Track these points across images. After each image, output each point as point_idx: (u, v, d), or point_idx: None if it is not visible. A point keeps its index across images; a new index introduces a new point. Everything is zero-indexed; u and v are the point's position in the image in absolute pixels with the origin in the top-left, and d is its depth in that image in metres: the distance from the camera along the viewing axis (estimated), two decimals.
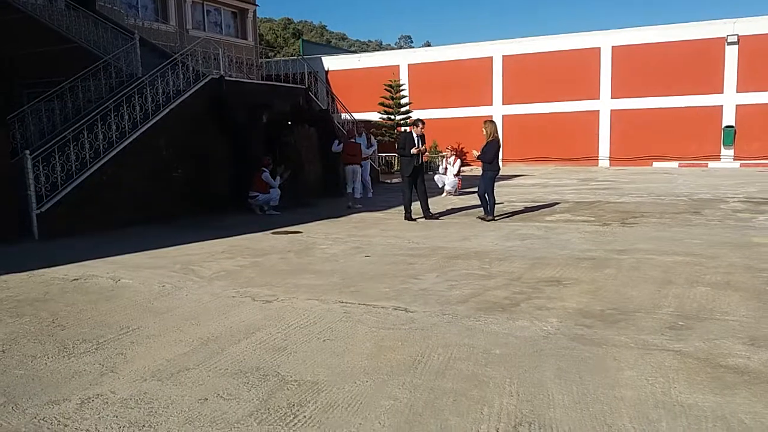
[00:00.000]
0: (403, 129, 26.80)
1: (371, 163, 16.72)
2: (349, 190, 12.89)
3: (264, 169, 12.47)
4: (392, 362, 4.03)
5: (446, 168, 15.49)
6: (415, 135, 10.76)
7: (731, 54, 24.82)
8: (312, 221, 11.07)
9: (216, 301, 5.66)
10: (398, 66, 30.08)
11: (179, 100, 12.44)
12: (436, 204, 12.83)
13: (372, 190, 15.89)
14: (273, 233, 9.82)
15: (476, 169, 23.09)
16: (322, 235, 9.47)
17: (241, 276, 6.69)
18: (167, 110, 12.15)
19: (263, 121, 14.03)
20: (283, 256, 7.85)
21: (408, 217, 10.88)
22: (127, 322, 5.10)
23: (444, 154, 16.83)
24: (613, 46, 26.34)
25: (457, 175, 15.34)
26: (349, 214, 11.95)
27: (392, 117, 26.62)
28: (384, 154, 22.53)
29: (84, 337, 4.76)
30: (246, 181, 12.69)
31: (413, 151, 10.64)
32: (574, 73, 26.81)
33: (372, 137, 16.72)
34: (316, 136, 15.71)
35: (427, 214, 10.94)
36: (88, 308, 5.56)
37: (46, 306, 5.68)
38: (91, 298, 5.92)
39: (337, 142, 13.69)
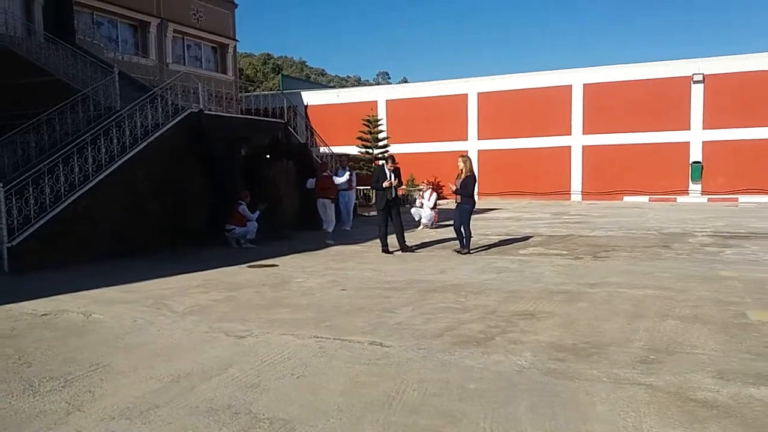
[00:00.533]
0: (380, 162, 26.99)
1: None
2: (325, 225, 12.71)
3: (241, 201, 12.41)
4: (367, 399, 3.97)
5: (422, 202, 15.56)
6: (387, 169, 10.92)
7: (697, 92, 25.64)
8: (288, 254, 11.01)
9: (188, 337, 5.56)
10: (376, 101, 30.45)
11: (158, 134, 12.40)
12: (412, 237, 12.87)
13: (351, 223, 15.87)
14: (249, 267, 9.74)
15: (452, 203, 23.23)
16: (299, 269, 9.42)
17: (214, 311, 6.60)
18: (145, 143, 12.09)
19: (242, 155, 14.02)
20: (258, 290, 7.77)
21: (384, 250, 10.90)
22: (96, 359, 4.96)
23: (420, 187, 16.92)
24: (584, 84, 27.06)
25: (433, 208, 15.43)
26: (327, 247, 11.91)
27: (370, 151, 26.80)
28: (362, 188, 22.60)
29: (51, 374, 4.61)
30: (223, 214, 12.60)
31: (385, 184, 10.81)
32: (547, 110, 27.38)
33: (353, 171, 16.78)
34: (294, 170, 15.71)
35: (403, 247, 10.97)
36: (57, 344, 5.41)
37: (13, 342, 5.51)
38: (60, 333, 5.77)
39: (312, 179, 13.37)
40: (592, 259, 9.74)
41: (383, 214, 10.96)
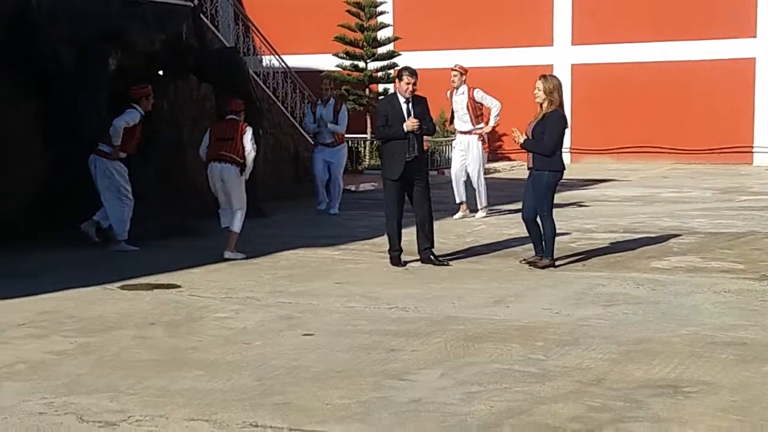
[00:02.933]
0: (378, 90, 26.87)
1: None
2: (223, 219, 11.75)
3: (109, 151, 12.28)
4: None
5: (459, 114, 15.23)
6: (401, 99, 10.85)
7: None
8: (200, 264, 11.03)
9: (5, 423, 5.55)
10: None
11: None
12: (444, 233, 12.81)
13: (339, 202, 16.19)
14: (124, 287, 9.74)
15: (519, 168, 23.12)
16: (220, 293, 9.41)
17: (57, 372, 6.59)
18: None
19: (110, 69, 13.95)
20: (143, 332, 7.77)
21: (395, 258, 10.94)
22: None
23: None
24: None
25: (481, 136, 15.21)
26: (276, 251, 11.90)
27: (361, 64, 26.65)
28: (352, 136, 22.56)
29: None
30: (75, 181, 12.57)
31: (407, 126, 10.67)
32: None
33: (344, 105, 16.68)
34: (211, 99, 15.66)
35: (426, 255, 10.97)
36: None
37: None
38: None
39: (207, 136, 12.11)
40: None
41: (395, 189, 10.85)
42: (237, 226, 11.63)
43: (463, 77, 15.18)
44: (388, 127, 10.80)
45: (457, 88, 15.27)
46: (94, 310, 8.65)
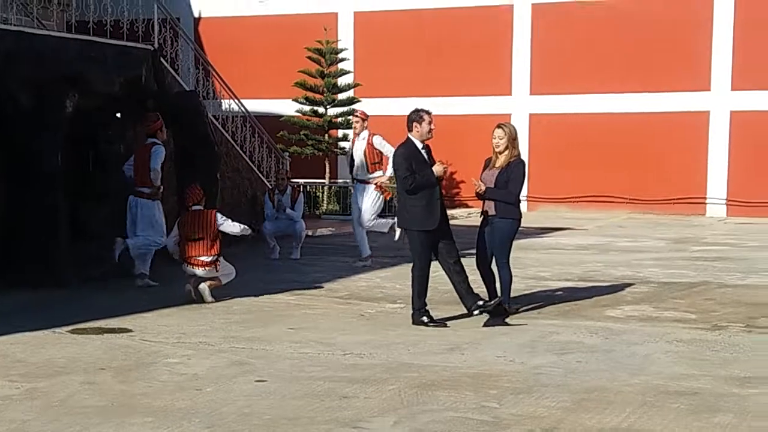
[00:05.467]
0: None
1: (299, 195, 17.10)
2: (189, 270, 11.67)
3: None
4: None
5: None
6: (419, 144, 10.21)
7: None
8: (153, 309, 10.95)
9: None
10: (336, 15, 30.38)
11: None
12: (399, 279, 12.78)
13: (300, 245, 16.24)
14: (73, 331, 9.64)
15: (476, 215, 23.21)
16: (173, 338, 9.37)
17: (2, 418, 6.50)
18: None
19: (68, 111, 13.87)
20: (92, 378, 7.69)
21: (428, 316, 10.20)
22: None
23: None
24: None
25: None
26: (229, 297, 11.81)
27: (321, 110, 26.71)
28: (302, 181, 22.51)
29: None
30: (31, 223, 12.47)
31: (437, 169, 10.13)
32: (668, 41, 27.39)
33: (301, 195, 17.06)
34: (171, 142, 15.58)
35: (478, 304, 10.36)
36: None
37: None
38: None
39: (175, 228, 12.13)
40: (745, 331, 9.79)
41: (428, 240, 10.13)
42: (224, 280, 11.79)
43: (365, 123, 14.96)
44: (417, 175, 10.04)
45: (358, 134, 15.01)
46: (42, 355, 8.56)
